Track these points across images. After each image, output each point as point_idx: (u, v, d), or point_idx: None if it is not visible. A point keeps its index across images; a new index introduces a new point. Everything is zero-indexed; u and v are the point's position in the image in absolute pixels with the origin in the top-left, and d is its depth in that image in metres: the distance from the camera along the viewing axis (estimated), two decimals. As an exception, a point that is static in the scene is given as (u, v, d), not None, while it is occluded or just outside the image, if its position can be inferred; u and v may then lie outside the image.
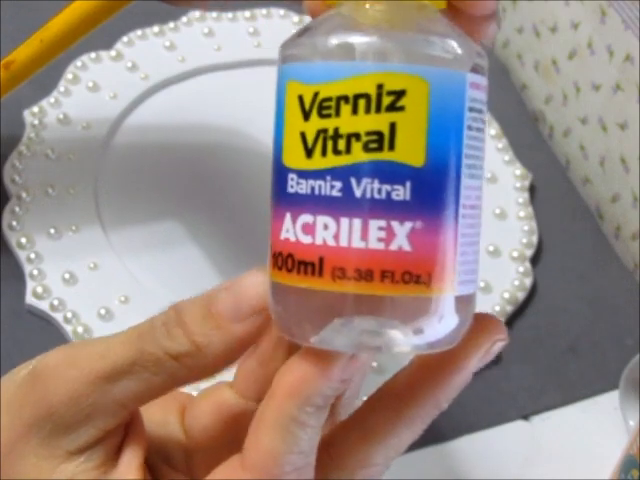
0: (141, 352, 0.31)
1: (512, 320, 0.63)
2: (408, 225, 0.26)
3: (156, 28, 0.74)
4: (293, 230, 0.28)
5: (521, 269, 0.65)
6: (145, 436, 0.33)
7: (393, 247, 0.26)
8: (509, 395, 0.60)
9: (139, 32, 0.74)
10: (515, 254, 0.65)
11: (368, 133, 0.26)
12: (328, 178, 0.27)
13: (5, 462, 0.32)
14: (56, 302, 0.58)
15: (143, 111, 0.70)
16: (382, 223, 0.26)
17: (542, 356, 0.62)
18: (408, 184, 0.26)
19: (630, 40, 0.67)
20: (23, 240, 0.61)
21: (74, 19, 0.52)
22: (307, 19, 0.30)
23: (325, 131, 0.27)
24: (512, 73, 0.81)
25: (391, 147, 0.26)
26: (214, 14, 0.76)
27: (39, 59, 0.54)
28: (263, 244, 0.31)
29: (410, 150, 0.26)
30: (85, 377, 0.31)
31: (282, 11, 0.77)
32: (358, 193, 0.26)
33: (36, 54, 0.53)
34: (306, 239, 0.27)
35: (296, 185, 0.27)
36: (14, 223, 0.62)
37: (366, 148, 0.26)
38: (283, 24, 0.76)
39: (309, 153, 0.27)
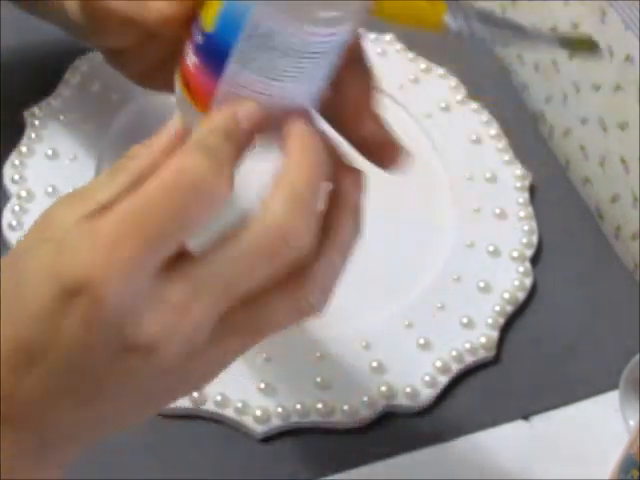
0: None
1: (512, 320, 0.63)
2: (195, 58, 0.40)
3: (156, 28, 0.74)
4: None
5: (521, 269, 0.65)
6: None
7: (188, 61, 0.40)
8: (509, 395, 0.60)
9: (139, 32, 0.74)
10: (515, 254, 0.65)
11: None
12: None
13: None
14: (56, 302, 0.58)
15: (143, 111, 0.70)
16: (192, 48, 0.40)
17: (542, 356, 0.62)
18: (204, 38, 0.39)
19: (630, 40, 0.67)
20: (23, 240, 0.61)
21: None
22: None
23: None
24: (512, 73, 0.81)
25: (205, 13, 0.39)
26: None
27: None
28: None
29: (207, 19, 0.39)
30: None
31: (282, 11, 0.77)
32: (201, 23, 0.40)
33: None
34: None
35: None
36: (14, 223, 0.62)
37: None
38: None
39: None
